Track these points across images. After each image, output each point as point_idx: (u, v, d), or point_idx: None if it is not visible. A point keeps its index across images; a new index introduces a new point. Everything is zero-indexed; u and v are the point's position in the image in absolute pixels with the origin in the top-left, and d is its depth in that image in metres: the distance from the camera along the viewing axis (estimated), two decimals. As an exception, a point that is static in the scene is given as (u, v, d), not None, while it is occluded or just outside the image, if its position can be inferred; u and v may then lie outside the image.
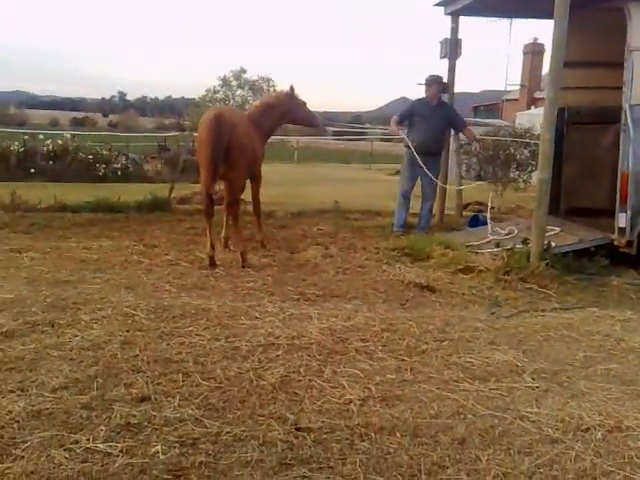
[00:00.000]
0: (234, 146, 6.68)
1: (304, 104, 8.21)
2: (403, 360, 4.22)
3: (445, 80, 9.06)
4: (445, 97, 9.22)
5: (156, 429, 3.11)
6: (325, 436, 3.14)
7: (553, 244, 7.07)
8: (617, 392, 3.84)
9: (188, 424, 3.18)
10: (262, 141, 7.67)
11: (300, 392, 3.64)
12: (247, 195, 7.79)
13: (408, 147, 8.83)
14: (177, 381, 3.70)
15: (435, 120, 8.71)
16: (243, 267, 6.66)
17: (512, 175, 11.98)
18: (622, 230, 7.04)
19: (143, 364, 3.92)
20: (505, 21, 10.80)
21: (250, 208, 8.15)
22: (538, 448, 3.13)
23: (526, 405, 3.60)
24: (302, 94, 8.12)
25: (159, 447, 2.93)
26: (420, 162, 8.54)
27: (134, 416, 3.22)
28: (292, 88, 7.98)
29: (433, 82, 8.78)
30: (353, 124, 53.17)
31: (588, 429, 3.33)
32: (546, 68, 7.19)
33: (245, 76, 38.53)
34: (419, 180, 8.97)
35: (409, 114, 9.02)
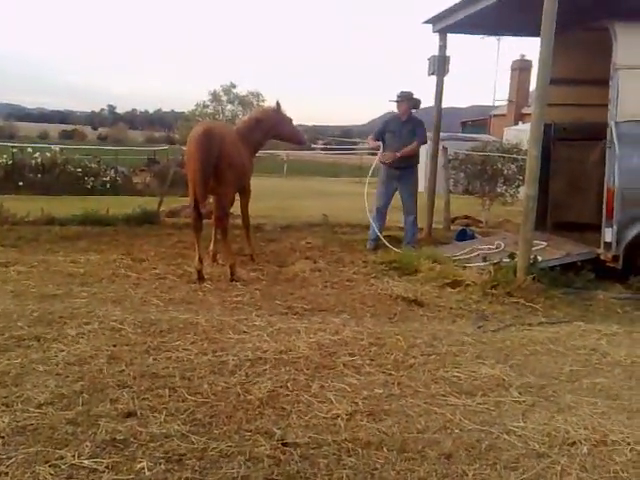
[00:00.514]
0: (223, 160, 6.69)
1: (290, 120, 8.30)
2: (390, 374, 4.22)
3: (415, 96, 9.00)
4: (417, 112, 9.15)
5: (142, 445, 3.09)
6: (312, 451, 3.13)
7: (540, 258, 7.11)
8: (603, 406, 3.86)
9: (174, 440, 3.16)
10: (250, 155, 7.70)
11: (287, 407, 3.63)
12: (236, 209, 7.80)
13: (383, 163, 8.97)
14: (163, 396, 3.68)
15: (405, 135, 8.75)
16: (232, 281, 6.66)
17: (499, 190, 12.07)
18: (608, 245, 7.10)
19: (129, 379, 3.90)
20: (493, 38, 10.93)
21: (239, 222, 8.16)
22: (524, 462, 3.14)
23: (513, 419, 3.61)
24: (288, 110, 8.22)
25: (145, 463, 2.92)
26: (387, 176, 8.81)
27: (120, 432, 3.20)
28: (278, 104, 8.06)
29: (404, 99, 8.84)
30: (343, 138, 53.39)
31: (574, 443, 3.34)
32: (533, 84, 7.28)
33: (235, 91, 38.65)
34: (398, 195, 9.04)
35: (382, 131, 9.07)
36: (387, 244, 8.55)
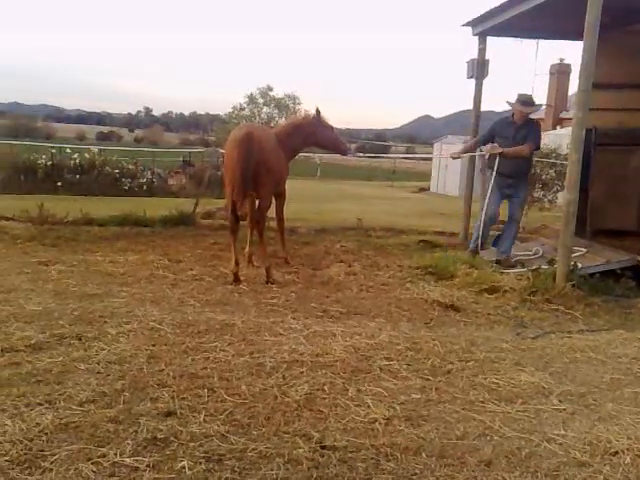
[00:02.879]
0: (263, 164, 6.73)
1: (331, 128, 8.14)
2: (428, 380, 4.19)
3: (537, 102, 8.32)
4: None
5: (182, 444, 3.12)
6: (350, 455, 3.12)
7: (579, 265, 7.00)
8: (645, 416, 3.78)
9: (214, 440, 3.18)
10: (287, 160, 7.72)
11: (325, 410, 3.63)
12: (271, 211, 7.85)
13: (492, 169, 8.20)
14: (202, 396, 3.71)
15: (520, 141, 7.93)
16: (267, 283, 6.69)
17: (537, 195, 11.91)
18: (649, 252, 6.98)
19: (169, 379, 3.94)
20: (531, 41, 10.80)
21: (273, 224, 8.19)
22: (565, 471, 3.08)
23: (553, 427, 3.56)
24: (329, 118, 8.08)
25: (185, 462, 2.94)
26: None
27: (160, 431, 3.24)
28: (318, 111, 7.97)
29: (524, 103, 8.00)
30: (377, 142, 53.28)
31: (617, 453, 3.28)
32: (572, 89, 7.19)
33: (271, 93, 38.88)
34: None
35: (490, 136, 8.35)
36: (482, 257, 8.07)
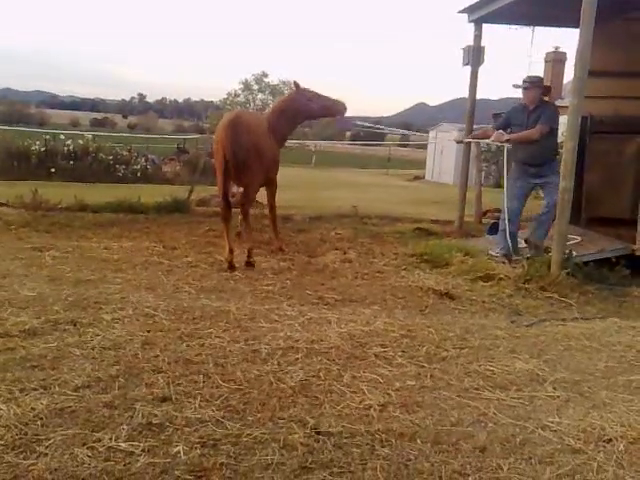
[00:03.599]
0: (250, 149, 6.67)
1: (316, 95, 7.73)
2: (423, 367, 4.20)
3: (545, 82, 7.81)
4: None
5: (177, 429, 3.12)
6: (345, 441, 3.13)
7: (574, 253, 7.02)
8: (639, 403, 3.79)
9: (209, 425, 3.19)
10: (280, 144, 7.64)
11: (320, 396, 3.63)
12: (262, 198, 7.83)
13: (511, 160, 7.80)
14: (197, 382, 3.71)
15: (533, 127, 7.40)
16: (247, 264, 6.69)
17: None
18: (644, 240, 6.99)
19: (164, 364, 3.93)
20: (527, 29, 10.77)
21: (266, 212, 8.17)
22: (560, 458, 3.09)
23: (547, 414, 3.57)
24: (313, 86, 7.77)
25: (181, 447, 2.94)
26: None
27: (156, 416, 3.23)
28: (296, 84, 7.69)
29: (533, 85, 7.52)
30: (372, 127, 53.20)
31: (610, 440, 3.29)
32: (568, 77, 7.15)
33: (266, 80, 38.70)
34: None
35: (506, 125, 7.86)
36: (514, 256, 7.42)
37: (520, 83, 7.64)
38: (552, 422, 3.46)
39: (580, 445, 3.23)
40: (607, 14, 6.88)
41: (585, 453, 3.15)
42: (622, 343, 4.97)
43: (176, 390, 3.57)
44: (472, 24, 9.75)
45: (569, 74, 7.28)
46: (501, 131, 7.73)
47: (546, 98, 7.75)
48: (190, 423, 3.19)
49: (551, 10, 8.66)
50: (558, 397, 3.84)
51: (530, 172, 7.60)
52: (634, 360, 4.61)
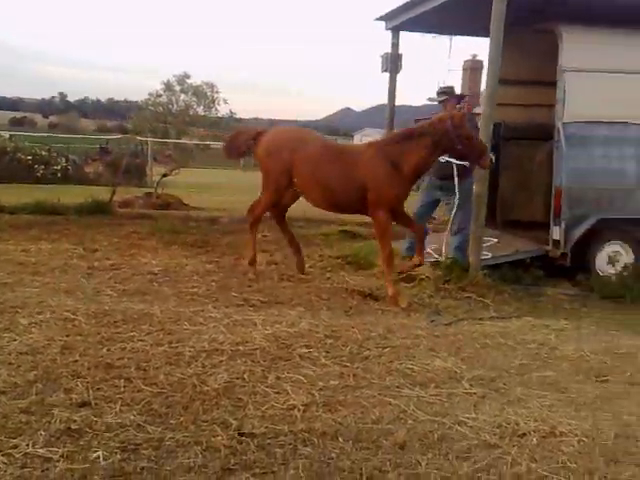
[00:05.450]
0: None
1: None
2: (346, 366, 4.27)
3: (458, 91, 7.63)
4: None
5: (97, 434, 3.07)
6: (268, 441, 3.15)
7: (490, 255, 7.27)
8: (552, 399, 3.97)
9: (130, 430, 3.14)
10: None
11: (244, 398, 3.64)
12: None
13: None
14: (118, 386, 3.65)
15: None
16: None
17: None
18: (556, 242, 7.31)
19: (83, 369, 3.85)
20: (446, 37, 11.00)
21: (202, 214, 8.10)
22: (476, 453, 3.21)
23: (464, 411, 3.69)
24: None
25: (100, 452, 2.89)
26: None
27: (74, 421, 3.17)
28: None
29: (448, 95, 7.35)
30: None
31: (524, 435, 3.43)
32: (484, 84, 7.30)
33: (189, 81, 38.03)
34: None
35: None
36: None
37: (435, 96, 7.65)
38: (469, 418, 3.59)
39: (495, 440, 3.35)
40: (516, 25, 7.15)
41: (500, 448, 3.27)
42: (536, 341, 5.19)
43: (96, 395, 3.50)
44: (390, 32, 9.87)
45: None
46: None
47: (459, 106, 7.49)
48: (110, 428, 3.14)
49: (464, 20, 8.89)
50: (475, 394, 3.97)
51: (436, 185, 7.48)
52: (547, 357, 4.82)
